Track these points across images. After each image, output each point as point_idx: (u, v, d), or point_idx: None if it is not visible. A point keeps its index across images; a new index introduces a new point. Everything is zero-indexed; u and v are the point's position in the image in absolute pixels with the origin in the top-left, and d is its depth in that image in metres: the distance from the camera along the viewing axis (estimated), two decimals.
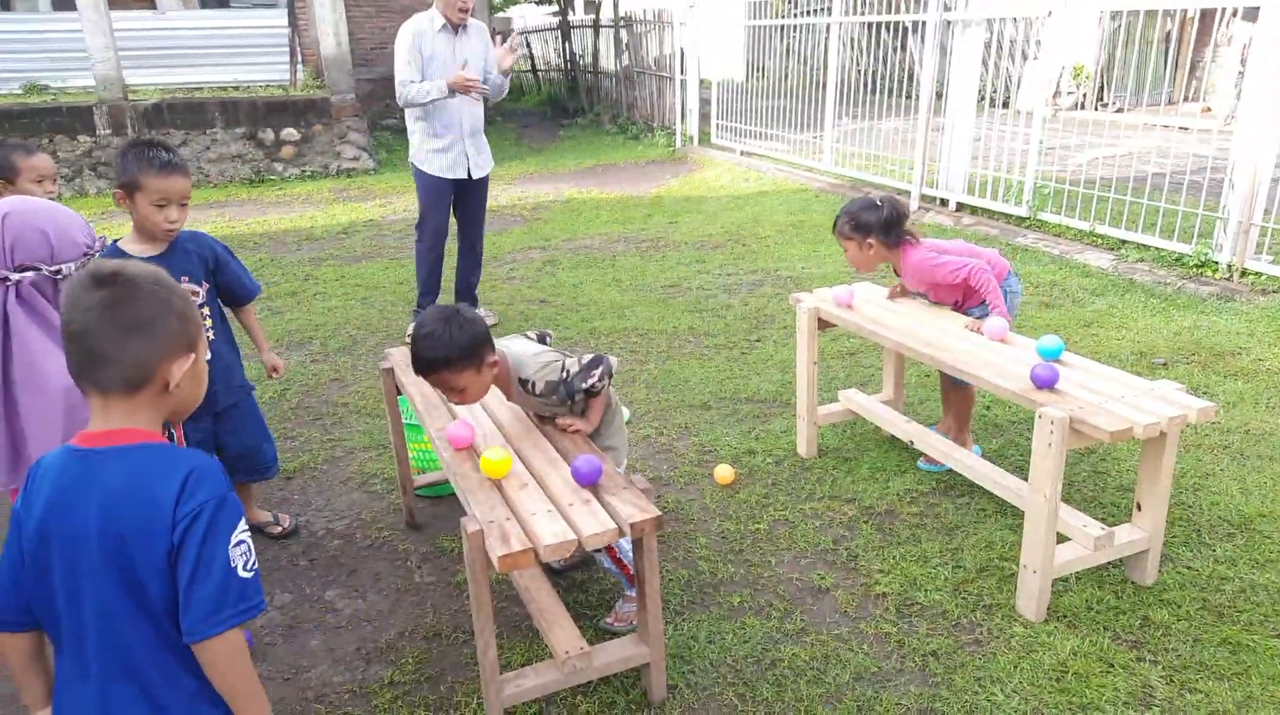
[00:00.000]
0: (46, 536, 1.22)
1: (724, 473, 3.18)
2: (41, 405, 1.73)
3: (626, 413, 2.54)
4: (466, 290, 4.95)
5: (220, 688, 1.24)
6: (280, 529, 2.93)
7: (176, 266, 2.42)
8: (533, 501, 2.00)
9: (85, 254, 1.84)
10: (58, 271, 1.79)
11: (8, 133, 9.18)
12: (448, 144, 4.56)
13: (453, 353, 2.05)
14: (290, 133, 10.08)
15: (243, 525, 1.24)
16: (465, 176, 4.65)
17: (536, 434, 2.33)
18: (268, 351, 2.85)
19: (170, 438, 2.30)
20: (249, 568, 1.23)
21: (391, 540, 2.91)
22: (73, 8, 9.37)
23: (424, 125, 4.54)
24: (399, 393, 2.84)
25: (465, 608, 2.52)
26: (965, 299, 3.04)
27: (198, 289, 2.54)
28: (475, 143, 4.66)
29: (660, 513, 1.94)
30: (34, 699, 1.35)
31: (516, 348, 2.31)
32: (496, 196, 8.77)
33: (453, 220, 4.86)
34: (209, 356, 2.48)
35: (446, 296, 4.97)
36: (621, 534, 1.92)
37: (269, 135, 10.01)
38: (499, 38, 4.71)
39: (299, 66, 11.52)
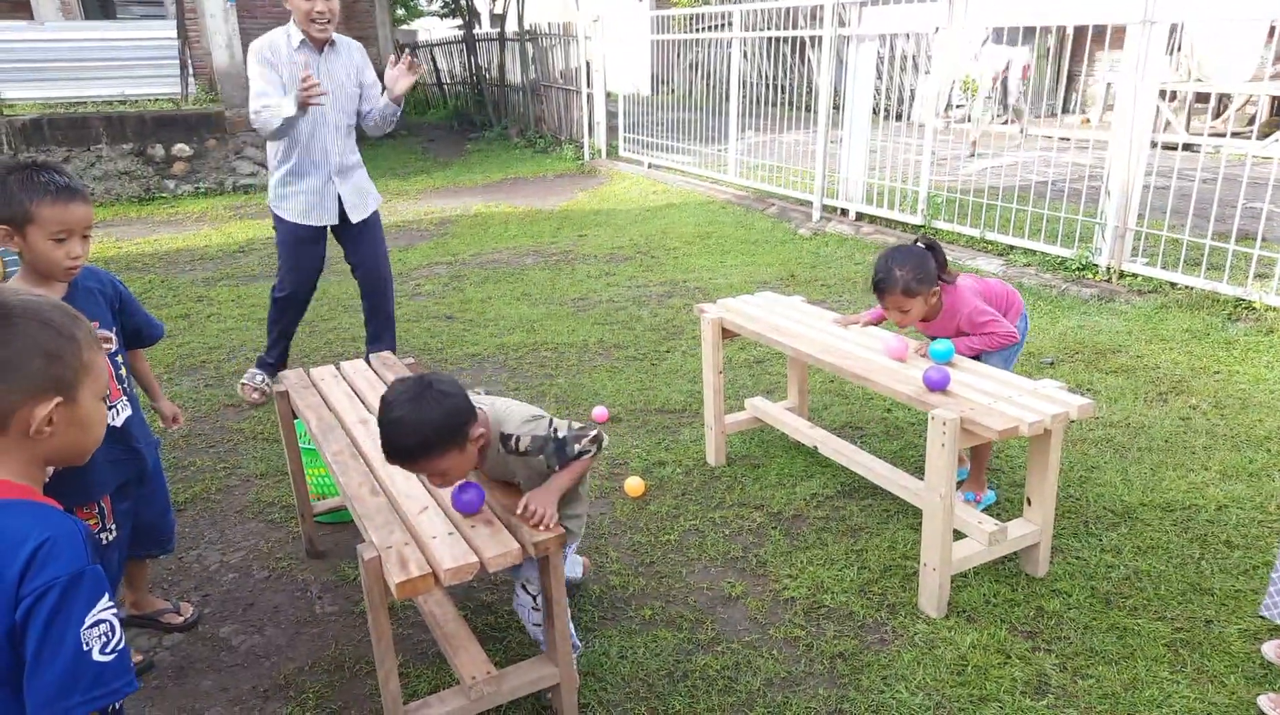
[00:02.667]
0: None
1: (634, 485, 3.18)
2: None
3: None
4: (383, 324, 4.15)
5: None
6: (181, 620, 2.53)
7: (81, 312, 2.19)
8: (433, 525, 1.95)
9: None
10: None
11: None
12: (313, 185, 3.78)
13: (431, 437, 1.82)
14: (182, 148, 9.68)
15: (104, 603, 1.10)
16: (337, 222, 3.88)
17: None
18: (164, 399, 2.52)
19: (101, 512, 2.10)
20: (109, 650, 1.09)
21: (290, 570, 2.80)
22: None
23: (283, 162, 3.77)
24: (295, 416, 2.74)
25: (369, 637, 2.43)
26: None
27: (110, 336, 2.21)
28: (349, 181, 3.87)
29: (562, 530, 1.92)
30: None
31: (495, 403, 2.06)
32: (402, 212, 8.62)
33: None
34: (129, 413, 2.23)
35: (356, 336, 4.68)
36: (525, 554, 1.89)
37: (159, 151, 9.59)
38: (392, 57, 3.94)
39: (190, 79, 11.08)
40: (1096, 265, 5.29)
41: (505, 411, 2.04)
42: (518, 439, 2.00)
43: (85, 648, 1.07)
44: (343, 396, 2.67)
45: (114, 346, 2.24)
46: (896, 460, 3.23)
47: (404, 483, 2.13)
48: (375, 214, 4.05)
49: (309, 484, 2.90)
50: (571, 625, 2.14)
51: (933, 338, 2.90)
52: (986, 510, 2.95)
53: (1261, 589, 2.48)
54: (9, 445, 1.16)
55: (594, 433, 2.05)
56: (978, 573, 2.61)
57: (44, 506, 1.15)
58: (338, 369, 2.89)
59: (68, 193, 2.00)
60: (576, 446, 2.03)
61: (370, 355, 3.03)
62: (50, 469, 1.29)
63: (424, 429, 1.82)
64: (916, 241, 2.77)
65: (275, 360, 4.14)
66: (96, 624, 1.09)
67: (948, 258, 2.80)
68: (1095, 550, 2.72)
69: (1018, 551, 2.62)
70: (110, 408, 2.21)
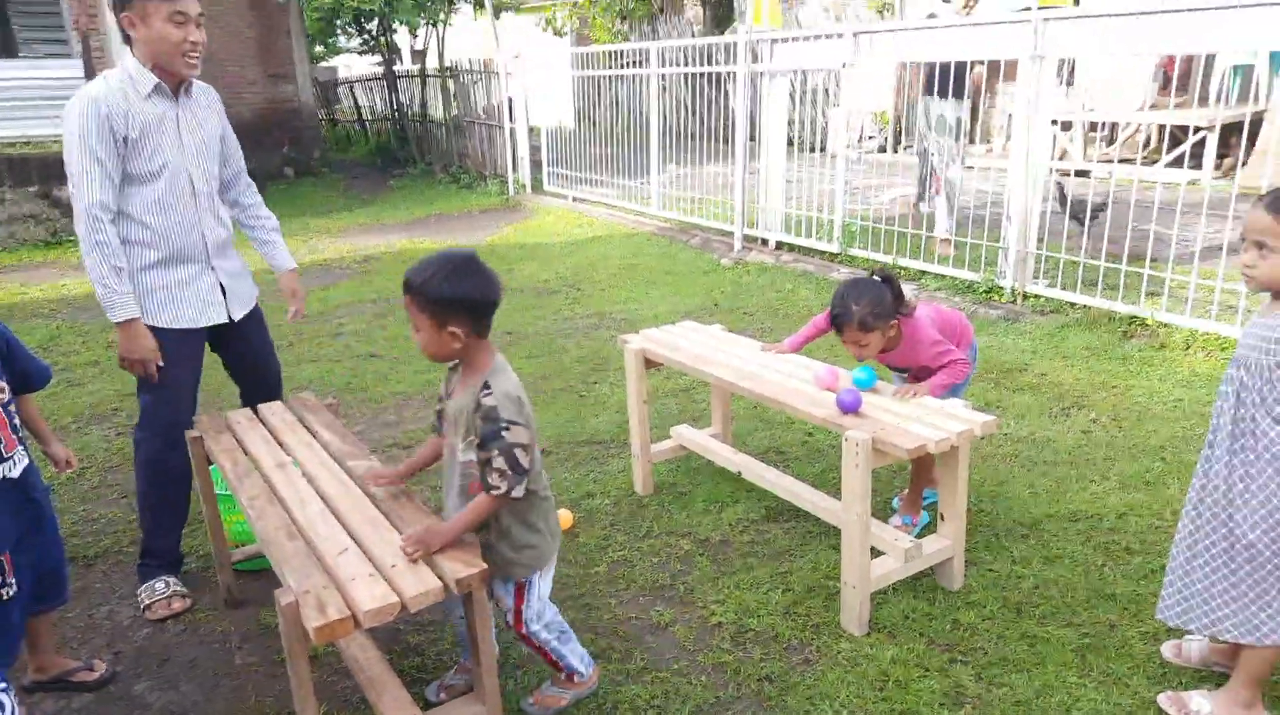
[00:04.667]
0: None
1: (563, 517, 3.18)
2: None
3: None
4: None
5: None
6: (94, 676, 2.43)
7: None
8: (353, 566, 1.93)
9: None
10: None
11: None
12: (188, 275, 2.76)
13: (445, 291, 1.90)
14: None
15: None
16: (225, 320, 2.87)
17: (358, 495, 2.25)
18: (55, 442, 2.38)
19: (1, 567, 2.02)
20: None
21: (208, 621, 2.72)
22: None
23: (140, 252, 2.68)
24: (210, 462, 2.68)
25: (290, 687, 2.37)
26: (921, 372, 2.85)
27: (2, 385, 2.14)
28: (227, 262, 2.89)
29: (486, 566, 1.92)
30: None
31: (509, 375, 2.02)
32: (324, 249, 8.49)
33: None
34: (25, 462, 2.16)
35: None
36: (447, 591, 1.88)
37: (66, 193, 9.25)
38: (291, 297, 3.13)
39: None
40: (1002, 287, 5.53)
41: (506, 381, 1.98)
42: (490, 395, 1.92)
43: None
44: (259, 440, 2.62)
45: (6, 396, 2.17)
46: (819, 482, 3.31)
47: (323, 526, 2.10)
48: (258, 309, 3.07)
49: (227, 531, 2.83)
50: (578, 648, 2.23)
51: (894, 369, 2.98)
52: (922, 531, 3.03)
53: (1160, 593, 2.62)
54: None
55: (518, 485, 1.95)
56: (896, 589, 2.69)
57: None
58: (255, 412, 2.84)
59: None
60: (496, 474, 1.92)
61: (290, 395, 2.97)
62: None
63: (447, 283, 1.91)
64: (872, 274, 2.79)
65: (171, 547, 2.92)
66: None
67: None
68: (1006, 562, 2.83)
69: (934, 567, 2.71)
70: (6, 460, 2.13)
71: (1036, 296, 5.38)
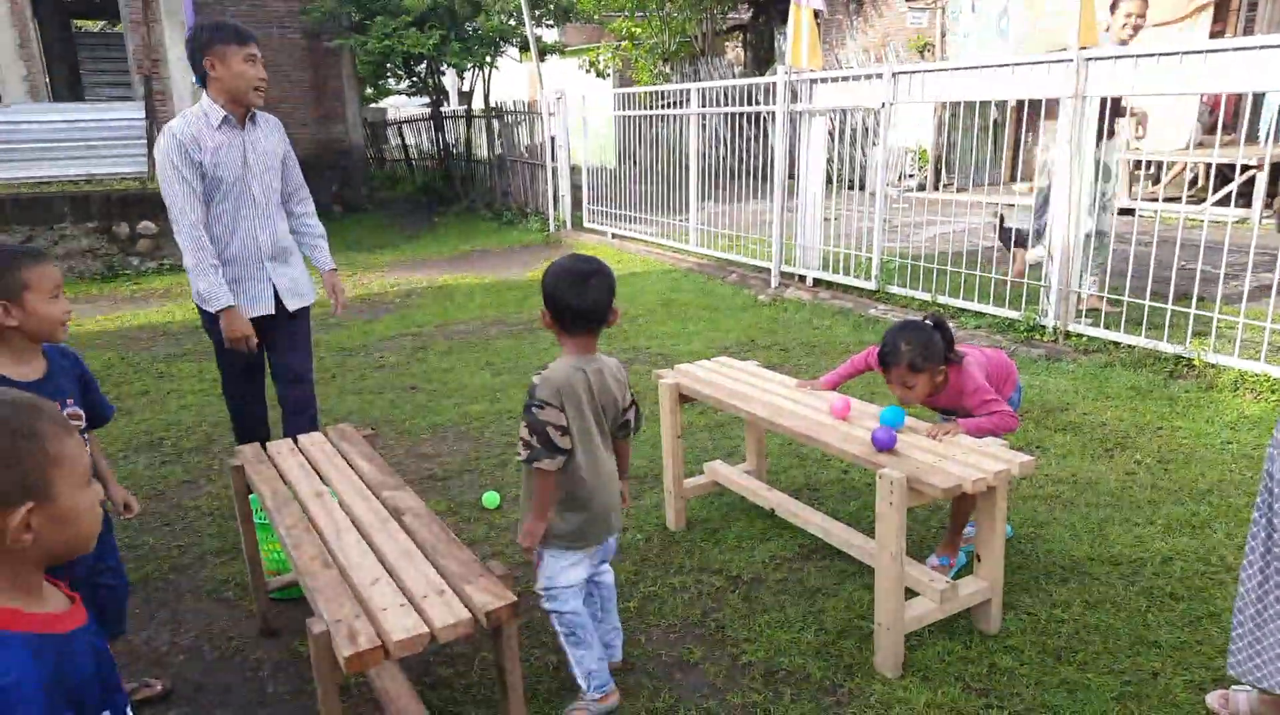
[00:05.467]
0: None
1: None
2: None
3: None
4: (303, 409, 3.59)
5: None
6: (157, 690, 2.52)
7: (59, 389, 2.21)
8: (384, 596, 1.95)
9: None
10: None
11: None
12: (243, 273, 3.34)
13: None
14: (147, 225, 9.71)
15: None
16: (271, 312, 3.40)
17: (393, 525, 2.29)
18: (116, 485, 2.44)
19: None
20: None
21: (243, 650, 2.75)
22: None
23: (206, 255, 3.24)
24: (249, 491, 2.74)
25: None
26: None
27: (80, 413, 2.25)
28: (283, 267, 3.44)
29: (516, 598, 1.93)
30: None
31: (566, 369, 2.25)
32: (367, 284, 8.68)
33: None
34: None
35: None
36: (477, 623, 1.89)
37: (124, 229, 9.62)
38: (332, 291, 3.68)
39: None
40: (1044, 326, 5.46)
41: (558, 370, 2.23)
42: (537, 375, 2.24)
43: None
44: (298, 468, 2.68)
45: (82, 424, 2.27)
46: (854, 520, 3.27)
47: (357, 555, 2.14)
48: (308, 312, 3.58)
49: (265, 560, 2.88)
50: (589, 663, 2.35)
51: (938, 410, 2.96)
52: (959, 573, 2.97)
53: (1207, 640, 2.54)
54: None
55: (541, 458, 2.17)
56: (931, 631, 2.64)
57: (9, 639, 1.05)
58: (295, 442, 2.90)
59: (39, 254, 2.16)
60: (521, 442, 2.19)
61: (328, 427, 3.04)
62: None
63: (547, 275, 2.25)
64: (925, 318, 2.79)
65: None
66: None
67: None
68: (1045, 605, 2.76)
69: (970, 609, 2.66)
70: None
71: (1079, 336, 5.29)
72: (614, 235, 10.29)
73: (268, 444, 2.88)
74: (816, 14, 7.11)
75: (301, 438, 2.94)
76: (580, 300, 2.21)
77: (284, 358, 3.52)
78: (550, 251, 10.34)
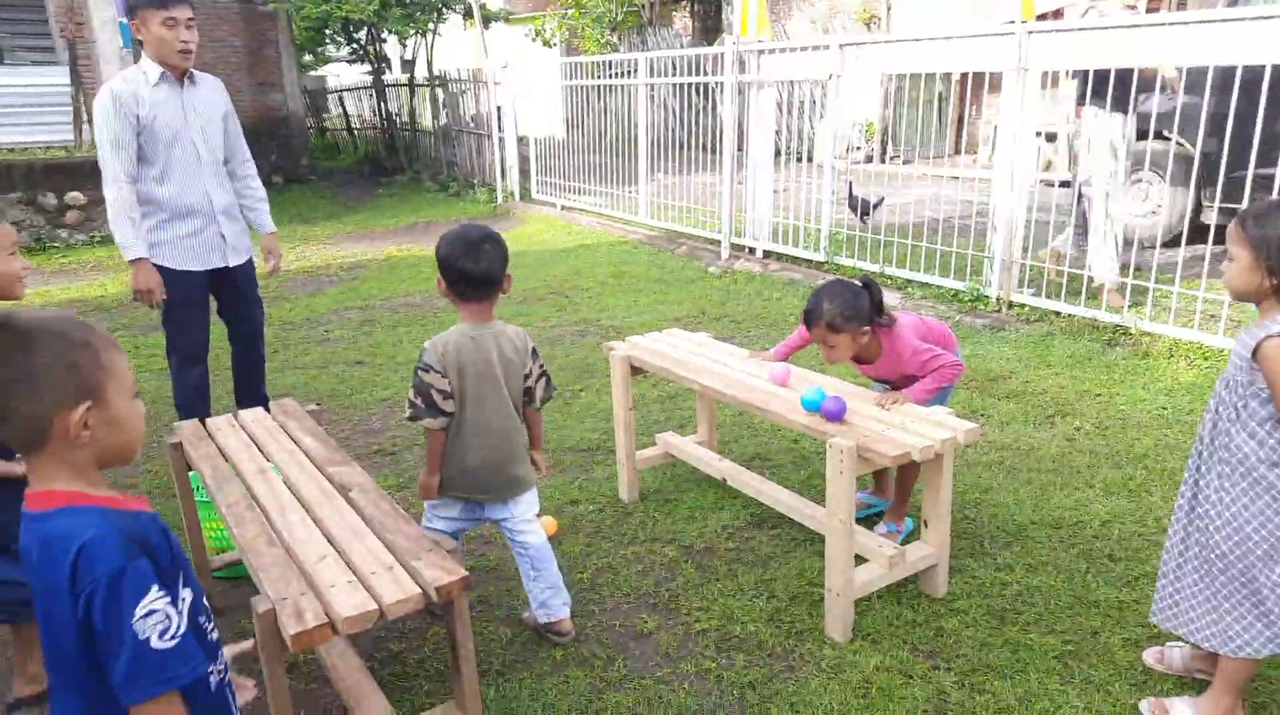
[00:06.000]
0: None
1: (546, 524, 3.16)
2: None
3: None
4: (250, 390, 3.91)
5: None
6: None
7: None
8: (332, 573, 1.91)
9: None
10: None
11: None
12: (195, 226, 3.49)
13: (505, 261, 2.36)
14: (76, 196, 9.33)
15: (154, 594, 1.18)
16: (225, 264, 3.62)
17: (340, 501, 2.24)
18: None
19: None
20: (169, 636, 1.19)
21: None
22: None
23: (157, 207, 3.43)
24: (189, 469, 2.66)
25: (265, 698, 2.35)
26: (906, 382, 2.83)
27: None
28: (229, 221, 3.62)
29: (466, 573, 1.91)
30: None
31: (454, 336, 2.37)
32: (310, 257, 8.46)
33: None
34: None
35: (224, 401, 4.16)
36: (427, 598, 1.87)
37: (50, 199, 9.22)
38: (269, 254, 3.86)
39: (84, 126, 10.71)
40: (988, 296, 5.56)
41: (448, 336, 2.36)
42: (427, 342, 2.37)
43: (142, 637, 1.17)
44: (240, 446, 2.61)
45: None
46: (804, 489, 3.30)
47: (303, 532, 2.08)
48: (251, 263, 3.80)
49: (206, 538, 2.80)
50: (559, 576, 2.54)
51: (878, 381, 2.97)
52: (907, 538, 3.02)
53: (1144, 599, 2.62)
54: (54, 456, 1.23)
55: (424, 416, 2.33)
56: (880, 596, 2.69)
57: (84, 509, 1.22)
58: (235, 419, 2.82)
59: None
60: (408, 401, 2.36)
61: (271, 402, 2.96)
62: None
63: (442, 244, 2.32)
64: (858, 279, 2.77)
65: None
66: (149, 614, 1.17)
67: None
68: (990, 569, 2.83)
69: (918, 573, 2.71)
70: None
71: (1022, 305, 5.41)
72: (563, 207, 10.19)
73: (208, 421, 2.79)
74: None
75: (242, 414, 2.86)
76: (474, 267, 2.27)
77: (240, 325, 3.81)
78: (499, 222, 10.19)
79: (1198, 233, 6.04)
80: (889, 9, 13.75)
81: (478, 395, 2.34)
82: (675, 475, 3.59)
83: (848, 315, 2.66)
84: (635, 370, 3.35)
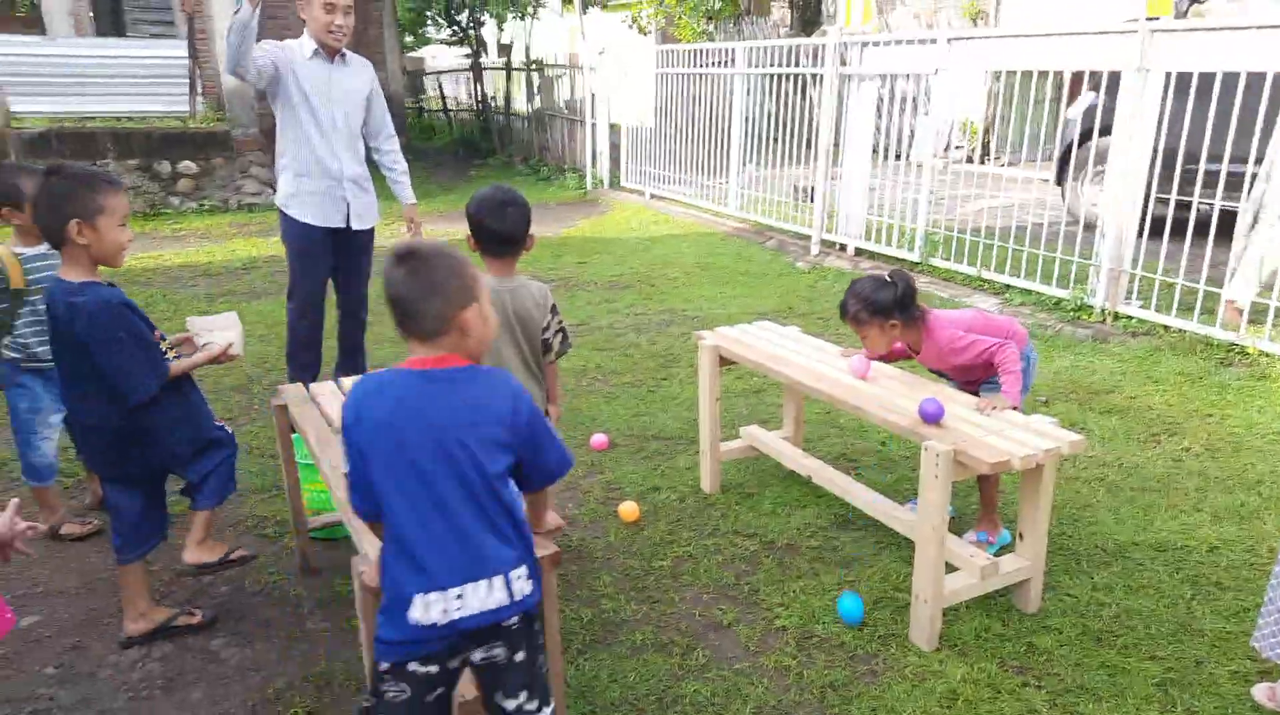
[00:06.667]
0: (397, 435, 1.58)
1: (628, 509, 3.19)
2: None
3: None
4: (353, 350, 4.25)
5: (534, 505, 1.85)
6: (197, 620, 2.57)
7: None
8: None
9: None
10: None
11: None
12: (322, 187, 3.83)
13: (527, 220, 2.50)
14: (188, 165, 9.76)
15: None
16: (344, 226, 3.93)
17: None
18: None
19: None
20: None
21: (283, 585, 2.79)
22: None
23: (293, 164, 3.82)
24: (293, 431, 2.75)
25: (357, 654, 2.43)
26: (981, 377, 2.85)
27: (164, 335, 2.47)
28: (357, 189, 3.94)
29: (557, 550, 1.93)
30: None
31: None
32: (405, 234, 8.66)
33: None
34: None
35: (327, 360, 4.32)
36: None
37: (165, 168, 9.67)
38: (410, 224, 4.24)
39: (199, 99, 11.19)
40: (1091, 306, 5.34)
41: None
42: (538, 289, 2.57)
43: (558, 439, 1.74)
44: (341, 410, 2.68)
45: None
46: (890, 493, 3.23)
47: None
48: (372, 233, 4.11)
49: (305, 500, 2.90)
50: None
51: (936, 373, 2.97)
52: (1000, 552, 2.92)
53: (1253, 631, 2.49)
54: (453, 341, 1.62)
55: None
56: (969, 607, 2.61)
57: (497, 371, 1.72)
58: (337, 385, 2.91)
59: (117, 183, 2.31)
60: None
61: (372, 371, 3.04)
62: None
63: (470, 202, 2.47)
64: (889, 274, 2.85)
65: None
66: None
67: (917, 290, 2.83)
68: (1087, 588, 2.73)
69: (1009, 587, 2.63)
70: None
71: (1129, 317, 5.17)
72: (652, 195, 10.19)
73: (310, 386, 2.88)
74: None
75: (344, 380, 2.94)
76: (499, 225, 2.45)
77: (347, 289, 4.13)
78: (588, 209, 10.27)
79: None
80: (998, 2, 13.28)
81: (495, 345, 2.46)
82: (758, 469, 3.56)
83: (871, 308, 2.77)
84: (722, 361, 3.34)
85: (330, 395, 2.81)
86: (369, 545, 1.94)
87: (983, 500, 2.97)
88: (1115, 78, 5.09)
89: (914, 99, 7.04)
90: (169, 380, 2.37)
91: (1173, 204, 4.93)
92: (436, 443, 1.57)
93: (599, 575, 2.84)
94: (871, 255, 7.01)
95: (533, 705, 1.69)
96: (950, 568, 2.56)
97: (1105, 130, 5.64)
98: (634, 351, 5.07)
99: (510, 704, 1.67)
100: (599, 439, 3.81)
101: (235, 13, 3.43)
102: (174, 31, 12.12)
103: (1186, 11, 5.06)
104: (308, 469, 2.90)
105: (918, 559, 2.45)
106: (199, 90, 11.22)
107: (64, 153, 9.24)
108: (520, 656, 1.66)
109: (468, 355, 1.65)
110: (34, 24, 17.69)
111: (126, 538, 2.44)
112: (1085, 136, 7.03)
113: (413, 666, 1.60)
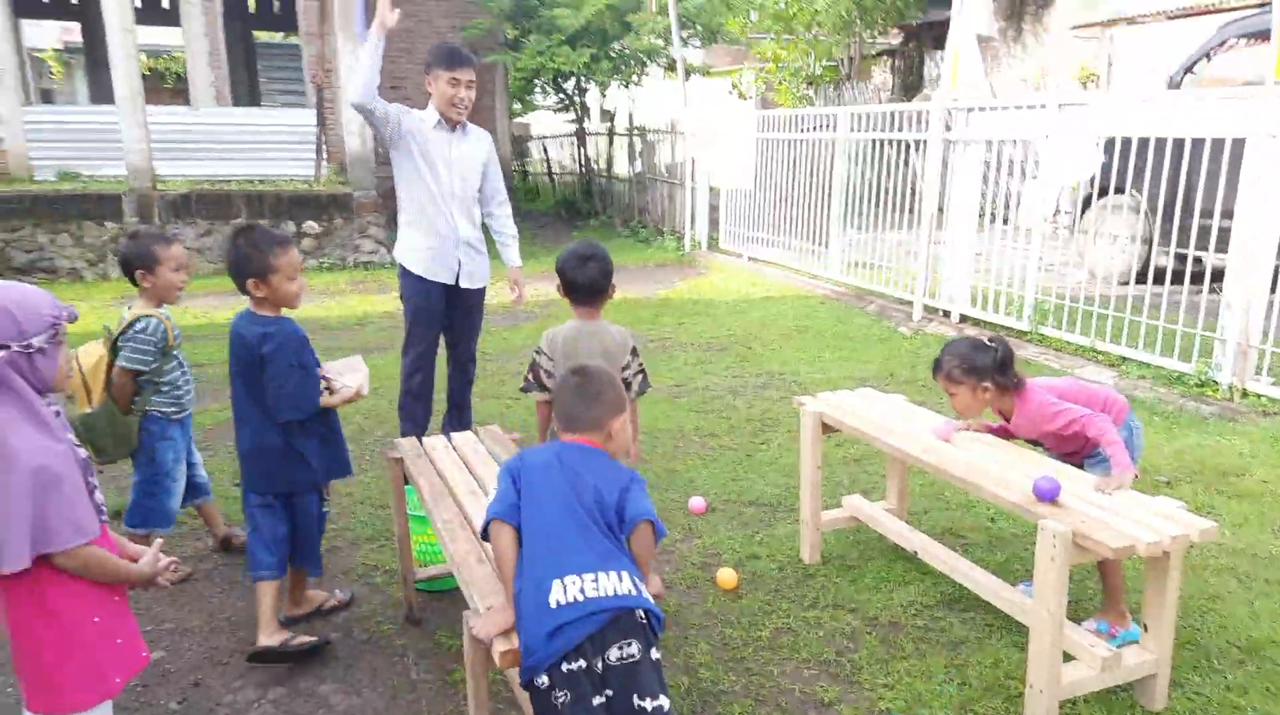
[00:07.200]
0: (549, 483, 1.95)
1: (726, 577, 3.16)
2: (9, 486, 1.67)
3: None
4: (460, 405, 4.44)
5: (642, 553, 1.95)
6: (341, 600, 3.03)
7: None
8: None
9: (53, 326, 1.79)
10: (28, 346, 1.74)
11: (38, 217, 9.49)
12: (436, 244, 4.04)
13: (609, 269, 2.89)
14: (311, 225, 10.38)
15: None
16: (453, 282, 4.11)
17: None
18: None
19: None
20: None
21: (389, 635, 2.88)
22: (110, 101, 9.81)
23: (412, 223, 4.06)
24: (406, 482, 2.86)
25: (460, 708, 2.47)
26: (1082, 448, 2.78)
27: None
28: (470, 251, 4.14)
29: (662, 589, 1.94)
30: (509, 595, 1.90)
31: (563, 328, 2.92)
32: (508, 293, 8.93)
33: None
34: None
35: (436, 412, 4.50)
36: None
37: (291, 227, 10.30)
38: (514, 285, 4.40)
39: (324, 163, 11.95)
40: (1217, 382, 5.06)
41: (558, 329, 2.92)
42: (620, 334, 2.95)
43: (647, 501, 1.99)
44: (453, 466, 2.79)
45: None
46: (1001, 572, 3.10)
47: (509, 561, 2.19)
48: (483, 292, 4.30)
49: (414, 550, 3.00)
50: None
51: (1030, 442, 2.91)
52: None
53: None
54: (600, 440, 2.06)
55: (528, 385, 2.97)
56: (1088, 701, 2.48)
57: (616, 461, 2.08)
58: (449, 440, 3.02)
59: (289, 242, 2.75)
60: (526, 373, 2.97)
61: (480, 428, 3.15)
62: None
63: (607, 262, 2.89)
64: (989, 338, 2.84)
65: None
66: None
67: (1013, 357, 2.80)
68: (1218, 687, 2.55)
69: (1133, 682, 2.48)
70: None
71: (1258, 395, 4.88)
72: (750, 258, 10.25)
73: (424, 439, 3.00)
74: (980, 40, 6.90)
75: (455, 436, 3.06)
76: (580, 276, 2.82)
77: (457, 344, 4.33)
78: (686, 270, 10.40)
79: None
80: (1110, 65, 13.01)
81: None
82: (860, 541, 3.49)
83: (965, 368, 2.76)
84: (825, 428, 3.31)
85: (443, 450, 2.92)
86: (480, 599, 1.99)
87: (1106, 588, 2.81)
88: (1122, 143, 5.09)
89: (1021, 163, 6.92)
90: (316, 411, 2.77)
91: None
92: (576, 478, 1.94)
93: (696, 642, 2.82)
94: (977, 322, 6.84)
95: (666, 703, 1.82)
96: (1068, 656, 2.44)
97: (1118, 189, 6.31)
98: (731, 414, 5.07)
99: (650, 704, 1.78)
100: (697, 502, 3.81)
101: (366, 40, 3.73)
102: (304, 101, 13.01)
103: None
104: (417, 521, 3.00)
105: (1032, 646, 2.35)
106: (325, 155, 11.99)
107: (203, 213, 9.99)
108: (655, 655, 1.83)
109: (613, 448, 2.08)
110: (180, 95, 19.26)
111: (263, 556, 2.72)
112: (1102, 192, 7.47)
113: (564, 666, 1.74)
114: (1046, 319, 6.33)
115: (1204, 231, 5.49)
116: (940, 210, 7.14)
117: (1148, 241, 6.67)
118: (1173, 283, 5.62)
